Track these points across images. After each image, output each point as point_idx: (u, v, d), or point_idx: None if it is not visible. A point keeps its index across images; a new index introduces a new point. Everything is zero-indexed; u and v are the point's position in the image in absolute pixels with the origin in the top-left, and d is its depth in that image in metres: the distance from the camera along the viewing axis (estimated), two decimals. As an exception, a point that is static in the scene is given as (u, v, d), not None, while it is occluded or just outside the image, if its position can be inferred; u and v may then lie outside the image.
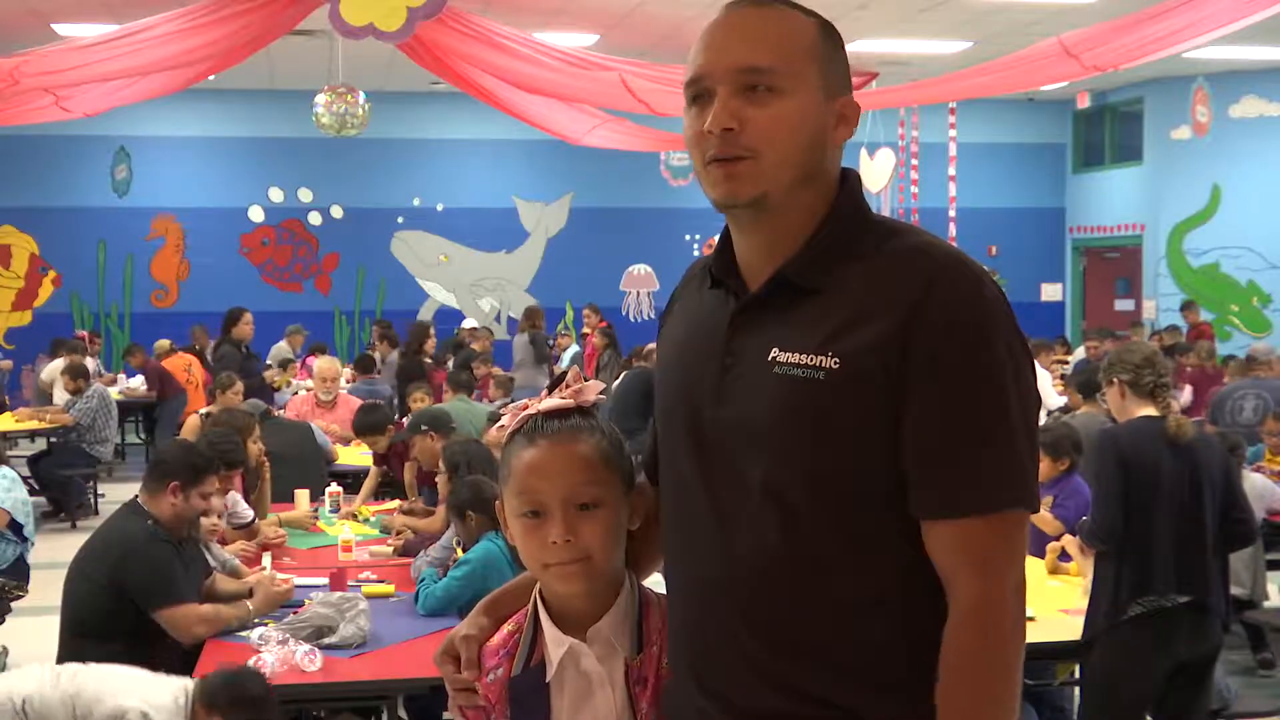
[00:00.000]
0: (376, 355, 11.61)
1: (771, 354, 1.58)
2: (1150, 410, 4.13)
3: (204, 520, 4.81)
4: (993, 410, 1.52)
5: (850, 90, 1.67)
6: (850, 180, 1.67)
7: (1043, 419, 9.38)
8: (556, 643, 1.75)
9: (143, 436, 13.08)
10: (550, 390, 1.81)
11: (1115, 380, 4.20)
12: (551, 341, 13.45)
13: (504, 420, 1.82)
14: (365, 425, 7.14)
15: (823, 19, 1.66)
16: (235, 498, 5.20)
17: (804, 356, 1.55)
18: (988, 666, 1.53)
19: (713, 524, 1.63)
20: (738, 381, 1.61)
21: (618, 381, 9.90)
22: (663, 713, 1.74)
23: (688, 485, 1.66)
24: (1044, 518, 5.10)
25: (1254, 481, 6.13)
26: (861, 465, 1.54)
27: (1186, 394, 10.09)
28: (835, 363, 1.53)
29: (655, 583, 1.88)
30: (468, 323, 14.78)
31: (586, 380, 1.82)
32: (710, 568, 1.63)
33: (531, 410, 1.78)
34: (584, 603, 1.75)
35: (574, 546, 1.69)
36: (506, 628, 1.80)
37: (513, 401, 9.90)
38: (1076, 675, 4.68)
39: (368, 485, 6.90)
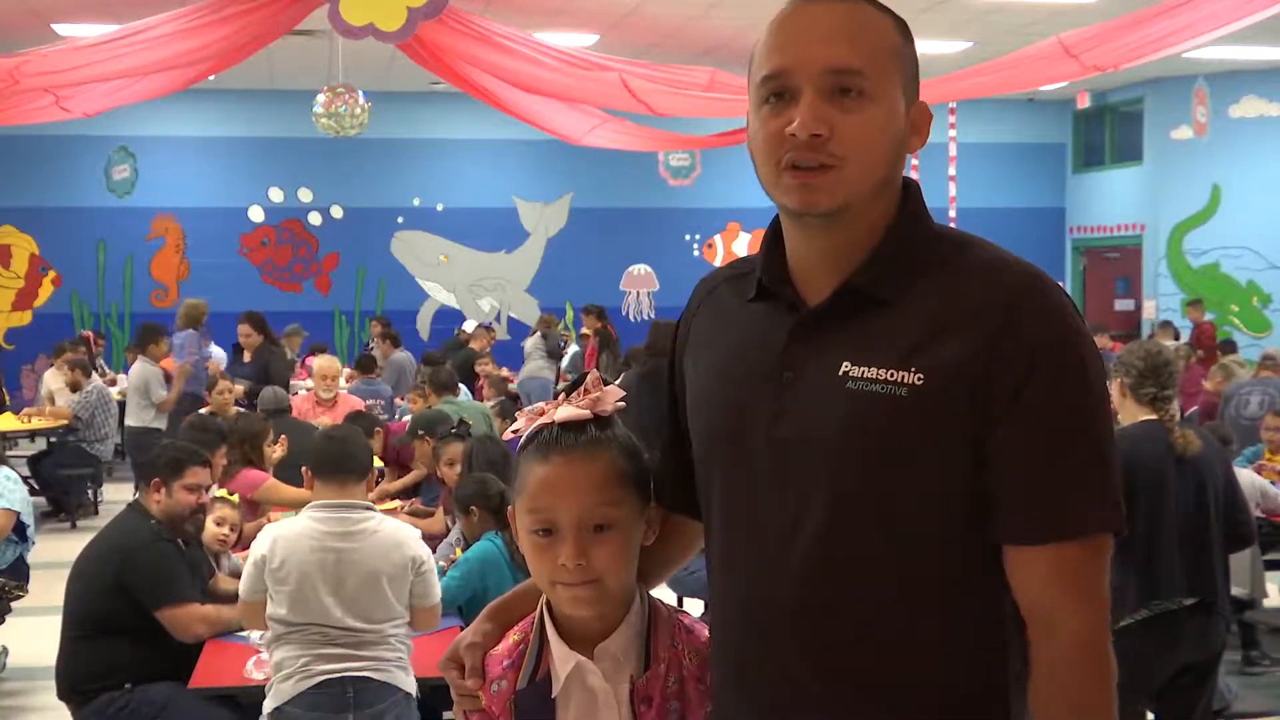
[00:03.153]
0: (377, 355, 11.60)
1: (843, 369, 1.48)
2: (1151, 416, 4.14)
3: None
4: (1086, 431, 1.46)
5: (919, 96, 1.58)
6: (913, 189, 1.59)
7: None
8: (563, 659, 1.70)
9: (143, 436, 13.06)
10: (567, 394, 1.74)
11: (1119, 381, 4.23)
12: (563, 342, 13.60)
13: (519, 424, 1.75)
14: None
15: (898, 16, 1.56)
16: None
17: (883, 372, 1.46)
18: (1102, 695, 1.50)
19: (769, 546, 1.54)
20: (802, 397, 1.51)
21: (616, 382, 9.92)
22: None
23: (740, 507, 1.58)
24: None
25: (1242, 478, 6.11)
26: (934, 487, 1.47)
27: None
28: (919, 379, 1.44)
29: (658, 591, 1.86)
30: (468, 324, 14.80)
31: (607, 385, 1.74)
32: (767, 589, 1.55)
33: (547, 419, 1.71)
34: (593, 621, 1.71)
35: (585, 569, 1.65)
36: (512, 637, 1.76)
37: (507, 396, 9.92)
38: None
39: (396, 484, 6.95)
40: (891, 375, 1.46)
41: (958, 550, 1.49)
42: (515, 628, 1.77)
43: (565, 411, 1.70)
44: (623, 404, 1.73)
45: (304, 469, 3.95)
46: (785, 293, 1.57)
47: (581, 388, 1.73)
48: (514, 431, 1.75)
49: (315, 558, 3.69)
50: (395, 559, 3.76)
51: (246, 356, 9.45)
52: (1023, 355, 1.44)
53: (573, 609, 1.69)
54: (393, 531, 3.84)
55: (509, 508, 1.79)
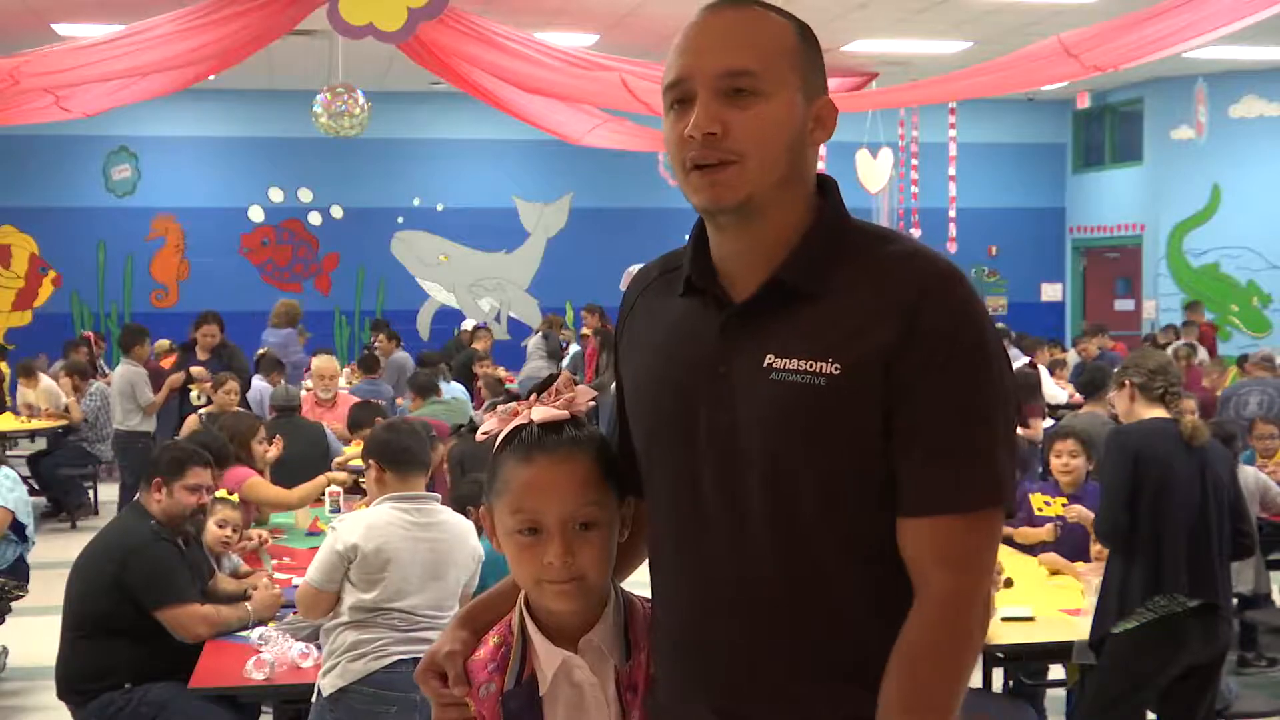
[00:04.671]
0: (380, 354, 11.57)
1: (767, 360, 1.56)
2: (1160, 413, 4.13)
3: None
4: (979, 415, 1.54)
5: (826, 92, 1.65)
6: (831, 187, 1.67)
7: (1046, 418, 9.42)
8: (549, 656, 1.73)
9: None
10: (537, 394, 1.77)
11: (1127, 382, 4.21)
12: (565, 342, 13.59)
13: (490, 425, 1.77)
14: (356, 422, 7.27)
15: (799, 20, 1.64)
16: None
17: (803, 363, 1.54)
18: (947, 658, 1.53)
19: (714, 533, 1.61)
20: (734, 389, 1.59)
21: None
22: None
23: (684, 495, 1.64)
24: (1084, 514, 5.10)
25: (1246, 474, 6.11)
26: (857, 468, 1.55)
27: None
28: (836, 369, 1.53)
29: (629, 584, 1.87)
30: (467, 323, 14.76)
31: (577, 384, 1.78)
32: (715, 577, 1.62)
33: (523, 419, 1.73)
34: (575, 616, 1.74)
35: (571, 566, 1.68)
36: (492, 640, 1.78)
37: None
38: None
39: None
40: (811, 366, 1.54)
41: (886, 527, 1.57)
42: (492, 631, 1.79)
43: (543, 412, 1.73)
44: (594, 403, 1.78)
45: (370, 461, 3.99)
46: (713, 289, 1.64)
47: (552, 388, 1.76)
48: (484, 433, 1.77)
49: (409, 545, 3.78)
50: (468, 551, 3.92)
51: (202, 355, 9.44)
52: (928, 342, 1.52)
53: (558, 605, 1.71)
54: (461, 523, 3.97)
55: (479, 509, 1.80)
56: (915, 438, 1.53)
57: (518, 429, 1.73)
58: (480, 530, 4.51)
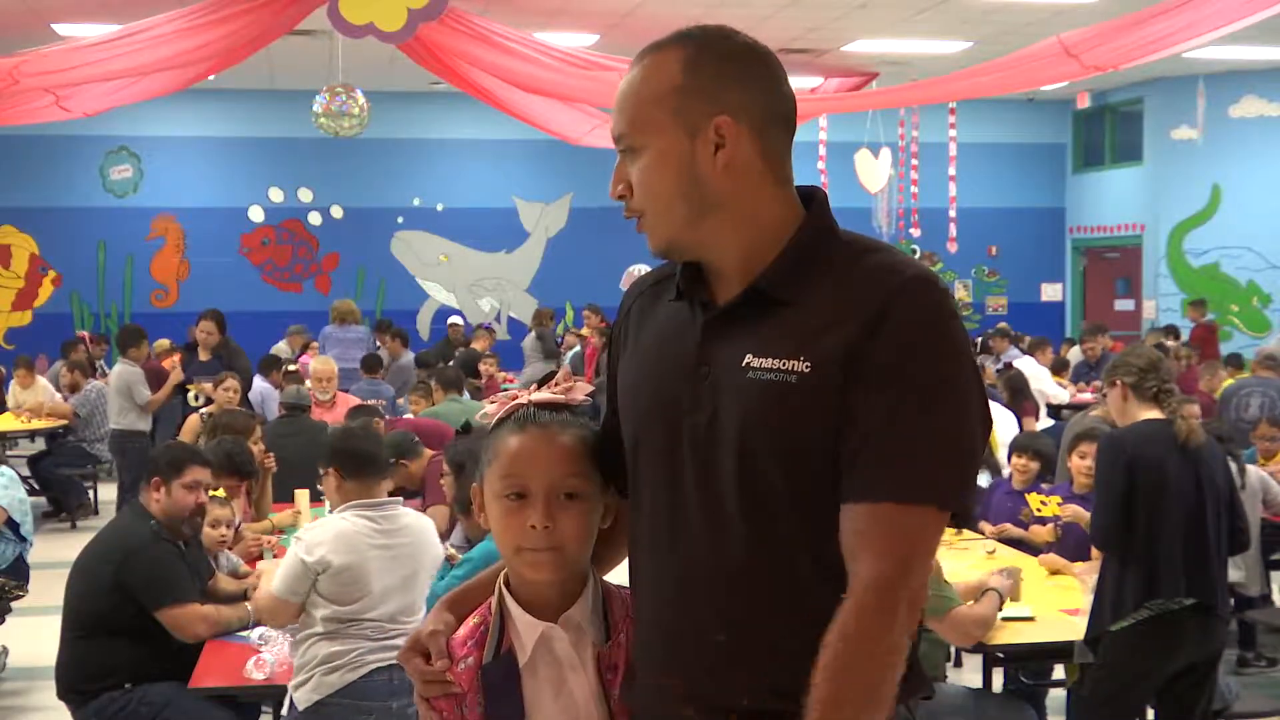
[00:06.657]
0: (384, 355, 11.55)
1: (745, 360, 1.64)
2: (1154, 413, 4.12)
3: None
4: (930, 411, 1.57)
5: (735, 110, 1.66)
6: (819, 199, 1.73)
7: (1044, 418, 9.43)
8: (529, 628, 1.79)
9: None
10: (539, 385, 1.87)
11: (1118, 381, 4.20)
12: (560, 340, 13.55)
13: (490, 408, 1.86)
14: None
15: (697, 44, 1.70)
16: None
17: (778, 361, 1.61)
18: (867, 647, 1.53)
19: (693, 524, 1.68)
20: (714, 387, 1.66)
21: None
22: (631, 708, 1.78)
23: (665, 487, 1.71)
24: (1079, 513, 5.10)
25: (1250, 473, 6.10)
26: (824, 464, 1.60)
27: None
28: (807, 366, 1.59)
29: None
30: (453, 319, 14.66)
31: (576, 380, 1.88)
32: (693, 567, 1.69)
33: (522, 400, 1.84)
34: (553, 592, 1.80)
35: (551, 534, 1.75)
36: (472, 620, 1.84)
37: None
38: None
39: None
40: (784, 364, 1.61)
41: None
42: (473, 613, 1.86)
43: (541, 395, 1.85)
44: (589, 400, 1.87)
45: (329, 470, 3.95)
46: (699, 294, 1.73)
47: (552, 380, 1.88)
48: (484, 415, 1.87)
49: (374, 554, 3.78)
50: (433, 555, 3.95)
51: (204, 355, 9.41)
52: (891, 338, 1.57)
53: (536, 574, 1.78)
54: (423, 524, 3.96)
55: (472, 485, 1.88)
56: (862, 427, 1.57)
57: (515, 409, 1.84)
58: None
